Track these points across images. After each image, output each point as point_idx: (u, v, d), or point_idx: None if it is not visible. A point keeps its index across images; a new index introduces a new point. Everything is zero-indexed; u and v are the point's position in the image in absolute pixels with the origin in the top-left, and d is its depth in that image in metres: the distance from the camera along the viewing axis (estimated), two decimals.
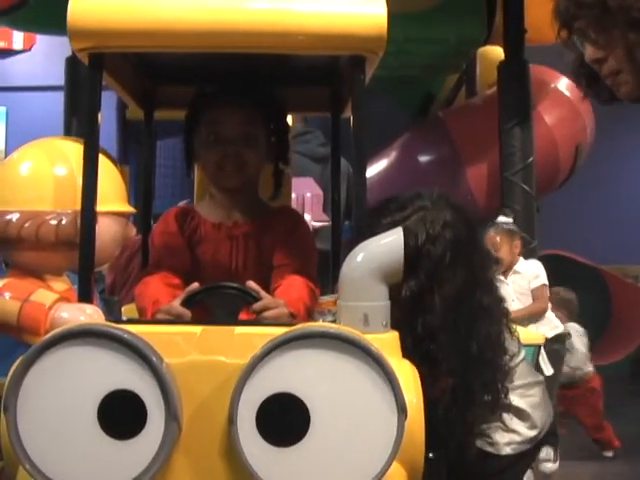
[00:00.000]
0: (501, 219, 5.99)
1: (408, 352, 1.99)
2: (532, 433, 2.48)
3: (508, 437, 2.44)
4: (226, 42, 2.02)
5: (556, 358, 5.54)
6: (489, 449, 2.43)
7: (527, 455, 2.52)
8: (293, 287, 2.38)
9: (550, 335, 5.56)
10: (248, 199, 2.59)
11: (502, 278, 5.82)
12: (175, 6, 2.03)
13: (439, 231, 2.24)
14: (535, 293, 5.77)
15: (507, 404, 2.40)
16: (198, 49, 2.09)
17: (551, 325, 5.80)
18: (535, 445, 2.52)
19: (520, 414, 2.46)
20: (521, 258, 5.95)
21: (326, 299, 2.49)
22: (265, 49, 2.06)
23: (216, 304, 2.26)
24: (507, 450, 2.44)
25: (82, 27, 1.98)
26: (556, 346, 5.67)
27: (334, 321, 2.04)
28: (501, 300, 2.38)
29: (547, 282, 5.80)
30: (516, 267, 5.88)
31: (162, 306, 2.26)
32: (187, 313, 2.21)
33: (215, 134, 2.49)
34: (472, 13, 7.29)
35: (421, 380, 1.99)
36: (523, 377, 2.50)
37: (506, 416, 2.43)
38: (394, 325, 1.95)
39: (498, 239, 5.85)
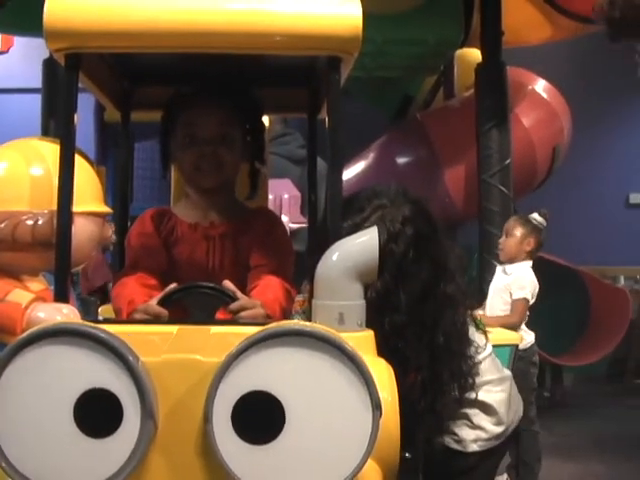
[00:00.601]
0: (534, 215, 5.70)
1: (377, 349, 2.02)
2: (498, 429, 2.48)
3: (474, 434, 2.44)
4: (203, 42, 2.02)
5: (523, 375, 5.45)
6: (455, 446, 2.43)
7: (494, 453, 2.51)
8: (269, 288, 2.39)
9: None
10: (225, 200, 2.59)
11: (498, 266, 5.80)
12: (152, 7, 2.03)
13: (400, 228, 2.27)
14: (514, 305, 5.54)
15: (473, 399, 2.42)
16: (175, 50, 2.09)
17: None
18: (503, 442, 2.52)
19: (486, 409, 2.46)
20: (525, 263, 5.68)
21: (298, 299, 2.50)
22: (240, 49, 2.06)
23: (193, 304, 2.26)
24: (474, 447, 2.44)
25: (58, 27, 1.98)
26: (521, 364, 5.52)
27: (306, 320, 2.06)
28: (464, 291, 2.39)
29: (530, 297, 5.60)
30: (509, 265, 5.68)
31: (138, 306, 2.26)
32: (164, 312, 2.21)
33: (191, 135, 2.49)
34: (450, 15, 7.30)
35: None
36: (490, 373, 2.50)
37: (472, 412, 2.44)
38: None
39: (513, 226, 5.66)
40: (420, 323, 2.25)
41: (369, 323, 1.97)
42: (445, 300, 2.30)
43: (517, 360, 5.41)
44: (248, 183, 2.69)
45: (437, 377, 2.28)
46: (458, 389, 2.34)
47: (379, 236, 2.11)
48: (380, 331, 2.11)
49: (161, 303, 2.23)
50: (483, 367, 2.45)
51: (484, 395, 2.46)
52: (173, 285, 2.26)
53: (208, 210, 2.57)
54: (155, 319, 2.18)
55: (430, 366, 2.26)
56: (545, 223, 5.67)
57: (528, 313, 5.60)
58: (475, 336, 2.43)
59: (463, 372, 2.34)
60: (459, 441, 2.43)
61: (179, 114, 2.53)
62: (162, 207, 2.65)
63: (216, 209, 2.57)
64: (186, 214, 2.58)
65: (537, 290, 5.59)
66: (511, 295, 5.54)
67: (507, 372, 2.60)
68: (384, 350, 2.05)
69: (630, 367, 9.09)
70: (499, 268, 5.78)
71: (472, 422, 2.43)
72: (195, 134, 2.49)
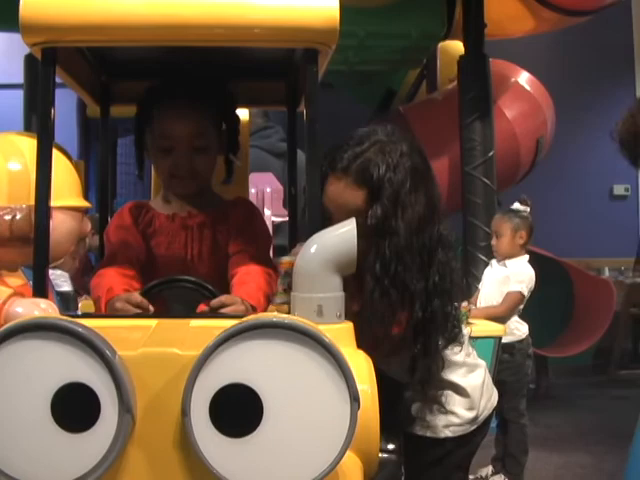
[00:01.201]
0: (516, 206, 5.69)
1: (377, 279, 2.15)
2: (470, 414, 2.48)
3: (446, 419, 2.44)
4: (179, 35, 2.02)
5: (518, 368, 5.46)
6: (427, 433, 2.44)
7: (468, 441, 2.51)
8: (250, 275, 2.39)
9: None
10: (202, 195, 2.60)
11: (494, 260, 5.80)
12: (127, 0, 2.03)
13: (398, 160, 2.30)
14: (507, 296, 5.53)
15: (448, 380, 2.44)
16: (151, 43, 2.09)
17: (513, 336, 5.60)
18: (476, 430, 2.52)
19: (459, 391, 2.47)
20: (522, 257, 5.68)
21: (285, 259, 2.50)
22: (217, 42, 2.06)
23: (174, 297, 2.27)
24: (446, 433, 2.44)
25: (34, 21, 1.98)
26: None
27: (290, 281, 2.08)
28: (450, 239, 2.42)
29: (526, 292, 5.57)
30: (509, 260, 5.64)
31: (117, 294, 2.26)
32: (146, 302, 2.22)
33: (165, 146, 2.49)
34: (432, 8, 7.30)
35: (385, 317, 2.18)
36: (467, 357, 2.52)
37: (444, 395, 2.43)
38: (361, 259, 1.99)
39: (500, 226, 5.65)
40: (418, 253, 2.27)
41: (368, 252, 2.06)
42: (438, 237, 2.33)
43: (513, 353, 5.43)
44: (224, 170, 2.72)
45: (432, 317, 2.29)
46: (448, 335, 2.36)
47: (379, 165, 2.24)
48: (380, 257, 2.22)
49: (143, 295, 2.24)
50: (461, 349, 2.47)
51: (458, 379, 2.47)
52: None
53: (186, 203, 2.57)
54: (137, 309, 2.18)
55: (426, 304, 2.28)
56: (529, 209, 5.67)
57: (522, 306, 5.60)
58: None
59: (454, 316, 2.36)
60: (429, 427, 2.44)
61: (153, 122, 2.52)
62: (140, 200, 2.66)
63: (194, 202, 2.57)
64: (163, 206, 2.59)
65: (533, 285, 5.60)
66: (506, 285, 5.54)
67: (482, 361, 2.60)
68: (385, 277, 2.16)
69: (615, 358, 9.11)
70: (495, 260, 5.76)
71: (444, 407, 2.42)
72: (169, 144, 2.48)
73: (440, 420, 2.43)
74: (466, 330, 2.50)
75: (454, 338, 2.39)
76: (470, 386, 2.49)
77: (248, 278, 2.39)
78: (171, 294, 2.32)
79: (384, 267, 2.23)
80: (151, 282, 2.33)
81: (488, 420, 2.58)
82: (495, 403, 2.62)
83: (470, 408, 2.48)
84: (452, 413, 2.44)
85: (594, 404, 7.86)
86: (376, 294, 2.24)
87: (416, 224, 2.27)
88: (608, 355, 9.04)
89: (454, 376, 2.46)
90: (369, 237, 2.20)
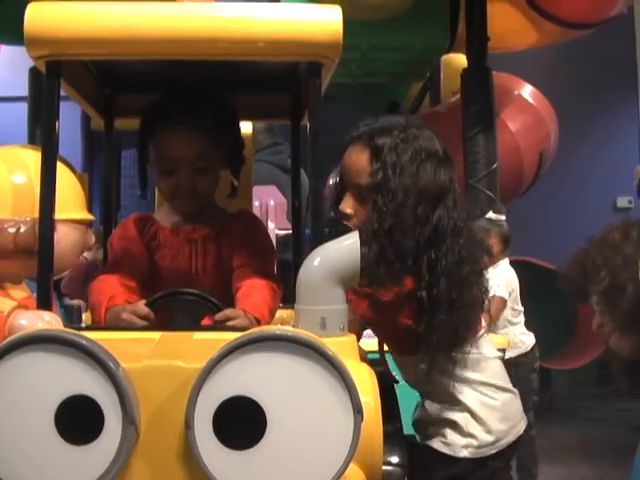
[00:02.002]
0: (489, 215, 5.74)
1: (374, 233, 2.24)
2: (490, 438, 2.43)
3: (465, 440, 2.40)
4: (183, 50, 2.04)
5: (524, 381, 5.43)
6: (445, 450, 2.40)
7: (486, 464, 2.44)
8: (255, 288, 2.39)
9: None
10: (205, 209, 2.60)
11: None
12: (132, 14, 2.04)
13: (407, 136, 2.36)
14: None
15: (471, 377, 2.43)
16: (156, 56, 2.10)
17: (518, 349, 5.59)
18: (495, 455, 2.44)
19: (475, 417, 2.43)
20: (500, 263, 5.67)
21: None
22: (221, 56, 2.07)
23: (178, 309, 2.28)
24: (464, 453, 2.40)
25: (39, 35, 1.99)
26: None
27: None
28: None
29: (506, 295, 5.55)
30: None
31: (118, 303, 2.27)
32: (152, 314, 2.22)
33: (167, 168, 2.49)
34: (436, 21, 7.31)
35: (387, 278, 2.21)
36: (495, 377, 2.49)
37: (462, 419, 2.41)
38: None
39: None
40: (415, 221, 2.30)
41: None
42: (447, 222, 2.33)
43: (518, 366, 5.40)
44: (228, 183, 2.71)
45: (438, 298, 2.30)
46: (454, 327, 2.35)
47: (387, 134, 2.32)
48: (378, 214, 2.29)
49: (148, 306, 2.25)
50: (492, 367, 2.49)
51: (481, 397, 2.44)
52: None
53: (189, 215, 2.57)
54: (142, 320, 2.19)
55: (431, 281, 2.29)
56: (503, 216, 5.67)
57: (520, 313, 5.59)
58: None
59: (462, 309, 2.35)
60: (449, 444, 2.40)
61: (156, 141, 2.51)
62: (145, 213, 2.66)
63: (197, 214, 2.57)
64: (167, 219, 2.59)
65: (516, 289, 5.57)
66: None
67: (513, 388, 2.56)
68: (381, 234, 2.24)
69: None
70: None
71: (463, 429, 2.40)
72: (172, 166, 2.48)
73: (460, 440, 2.40)
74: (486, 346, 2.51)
75: (461, 336, 2.38)
76: (487, 408, 2.45)
77: (253, 291, 2.38)
78: (176, 306, 2.32)
79: (380, 222, 2.26)
80: (156, 294, 2.33)
81: (513, 446, 2.51)
82: (522, 431, 2.55)
83: (487, 432, 2.42)
84: (471, 436, 2.40)
85: (598, 416, 7.85)
86: (373, 249, 2.25)
87: (416, 192, 2.29)
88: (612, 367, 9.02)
89: (477, 394, 2.44)
90: (369, 199, 2.28)
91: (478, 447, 2.41)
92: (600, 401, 8.48)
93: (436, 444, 2.41)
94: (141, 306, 2.25)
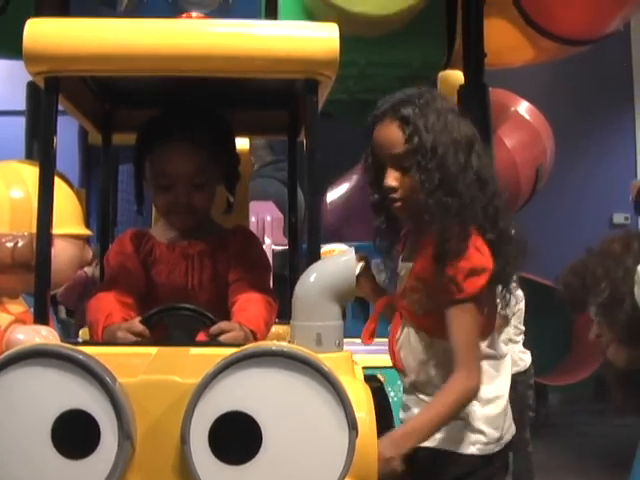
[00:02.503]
0: None
1: (429, 192, 2.24)
2: (497, 434, 2.38)
3: (474, 437, 2.34)
4: (181, 66, 2.06)
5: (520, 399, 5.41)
6: (451, 448, 2.34)
7: (493, 461, 2.38)
8: (250, 302, 2.41)
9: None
10: (200, 224, 2.61)
11: None
12: (130, 30, 2.06)
13: (440, 112, 2.36)
14: None
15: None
16: (154, 73, 2.12)
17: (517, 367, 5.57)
18: (498, 452, 2.39)
19: (485, 411, 2.36)
20: None
21: (330, 247, 2.50)
22: (218, 72, 2.09)
23: (174, 325, 2.28)
24: (472, 449, 2.34)
25: (37, 51, 2.01)
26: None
27: None
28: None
29: (509, 314, 5.50)
30: None
31: (115, 322, 2.28)
32: (147, 332, 2.23)
33: (164, 184, 2.50)
34: (433, 37, 7.32)
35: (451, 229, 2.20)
36: (508, 374, 2.51)
37: (471, 413, 2.33)
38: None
39: None
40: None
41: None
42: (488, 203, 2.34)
43: (515, 384, 5.37)
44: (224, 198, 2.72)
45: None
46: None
47: (414, 105, 2.32)
48: (425, 174, 2.27)
49: (143, 323, 2.26)
50: (506, 364, 2.50)
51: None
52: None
53: (185, 231, 2.59)
54: (138, 337, 2.21)
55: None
56: None
57: (522, 332, 5.57)
58: None
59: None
60: (454, 442, 2.34)
61: (153, 157, 2.52)
62: (141, 229, 2.67)
63: (193, 230, 2.59)
64: (163, 235, 2.60)
65: (522, 308, 5.57)
66: None
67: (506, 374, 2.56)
68: (435, 189, 2.24)
69: None
70: None
71: (471, 425, 2.33)
72: (168, 182, 2.50)
73: (467, 436, 2.33)
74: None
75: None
76: (496, 396, 2.40)
77: (248, 305, 2.40)
78: (171, 322, 2.33)
79: (429, 180, 2.26)
80: (151, 310, 2.34)
81: (509, 446, 2.46)
82: (514, 430, 2.52)
83: (496, 428, 2.37)
84: (480, 432, 2.34)
85: (595, 432, 7.84)
86: (431, 207, 2.25)
87: (450, 144, 2.30)
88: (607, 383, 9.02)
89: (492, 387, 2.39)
90: (411, 165, 2.28)
91: (486, 443, 2.36)
92: (597, 417, 8.46)
93: (439, 443, 2.33)
94: (136, 324, 2.26)
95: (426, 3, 6.27)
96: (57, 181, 2.16)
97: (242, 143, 2.96)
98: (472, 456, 2.35)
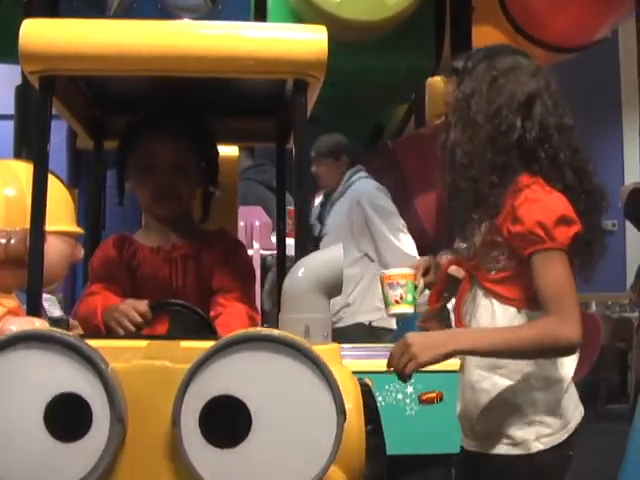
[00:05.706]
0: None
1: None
2: (560, 421, 2.20)
3: (534, 431, 2.17)
4: (172, 65, 2.09)
5: None
6: (516, 451, 2.17)
7: (562, 452, 2.20)
8: (233, 317, 2.46)
9: None
10: (184, 224, 2.65)
11: None
12: (125, 30, 2.11)
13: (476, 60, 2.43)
14: None
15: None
16: (146, 73, 2.16)
17: None
18: (568, 439, 2.21)
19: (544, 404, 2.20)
20: None
21: (395, 272, 2.47)
22: (208, 73, 2.13)
23: (176, 321, 2.32)
24: (538, 446, 2.16)
25: (33, 49, 2.04)
26: None
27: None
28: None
29: None
30: None
31: (126, 300, 2.36)
32: (150, 315, 2.32)
33: (148, 166, 2.55)
34: (421, 44, 7.35)
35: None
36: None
37: (525, 406, 2.18)
38: None
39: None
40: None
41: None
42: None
43: None
44: (201, 208, 2.74)
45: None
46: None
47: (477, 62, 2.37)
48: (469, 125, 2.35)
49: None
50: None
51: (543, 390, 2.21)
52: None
53: (168, 234, 2.63)
54: (139, 317, 2.28)
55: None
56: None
57: None
58: None
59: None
60: (517, 443, 2.17)
61: (136, 145, 2.58)
62: (123, 233, 2.69)
63: (176, 233, 2.63)
64: (147, 239, 2.64)
65: None
66: None
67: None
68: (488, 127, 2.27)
69: (602, 393, 9.11)
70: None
71: (527, 418, 2.17)
72: (152, 165, 2.55)
73: (528, 433, 2.17)
74: None
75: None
76: (555, 379, 2.22)
77: (232, 319, 2.44)
78: (174, 317, 2.38)
79: (476, 134, 2.32)
80: (162, 300, 2.40)
81: (578, 431, 2.26)
82: (583, 413, 2.30)
83: (557, 415, 2.19)
84: (539, 423, 2.17)
85: (581, 438, 7.84)
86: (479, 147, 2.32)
87: (507, 95, 2.35)
88: (595, 390, 9.04)
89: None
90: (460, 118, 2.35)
91: (550, 434, 2.18)
92: (584, 424, 8.48)
93: (501, 449, 2.19)
94: (142, 303, 2.31)
95: (415, 10, 6.28)
96: (50, 179, 2.19)
97: (231, 150, 3.02)
98: (540, 453, 2.17)
